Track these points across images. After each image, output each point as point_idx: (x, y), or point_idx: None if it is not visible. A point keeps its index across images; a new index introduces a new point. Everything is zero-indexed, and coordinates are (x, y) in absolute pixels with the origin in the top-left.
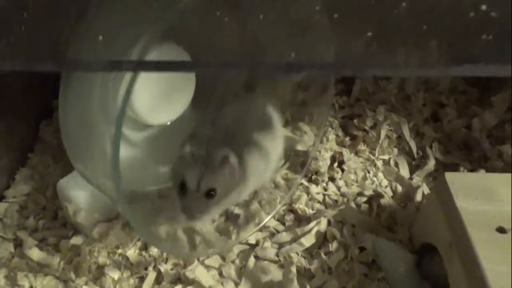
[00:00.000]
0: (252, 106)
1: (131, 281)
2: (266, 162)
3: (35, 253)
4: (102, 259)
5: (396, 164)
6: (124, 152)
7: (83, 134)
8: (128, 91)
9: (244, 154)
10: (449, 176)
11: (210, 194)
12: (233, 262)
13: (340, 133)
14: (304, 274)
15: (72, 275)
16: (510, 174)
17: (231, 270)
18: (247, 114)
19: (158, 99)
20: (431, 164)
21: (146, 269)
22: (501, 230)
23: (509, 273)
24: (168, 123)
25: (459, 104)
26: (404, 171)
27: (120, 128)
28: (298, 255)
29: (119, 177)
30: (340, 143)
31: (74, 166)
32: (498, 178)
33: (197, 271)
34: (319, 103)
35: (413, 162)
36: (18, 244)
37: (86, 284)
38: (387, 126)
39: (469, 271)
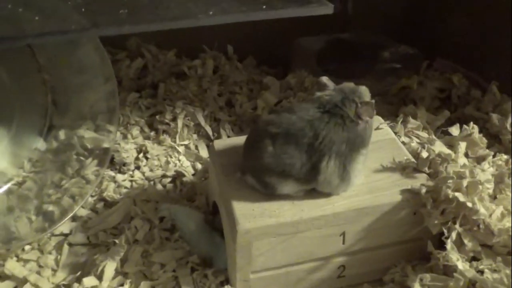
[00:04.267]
0: None
1: None
2: None
3: None
4: None
5: (196, 147)
6: None
7: None
8: None
9: None
10: (216, 142)
11: None
12: (50, 252)
13: (147, 129)
14: (114, 249)
15: None
16: None
17: (48, 260)
18: None
19: None
20: None
21: None
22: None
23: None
24: None
25: (248, 91)
26: (203, 152)
27: None
28: (106, 233)
29: None
30: (146, 138)
31: None
32: None
33: (9, 265)
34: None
35: (211, 143)
36: None
37: None
38: (184, 117)
39: (225, 211)
